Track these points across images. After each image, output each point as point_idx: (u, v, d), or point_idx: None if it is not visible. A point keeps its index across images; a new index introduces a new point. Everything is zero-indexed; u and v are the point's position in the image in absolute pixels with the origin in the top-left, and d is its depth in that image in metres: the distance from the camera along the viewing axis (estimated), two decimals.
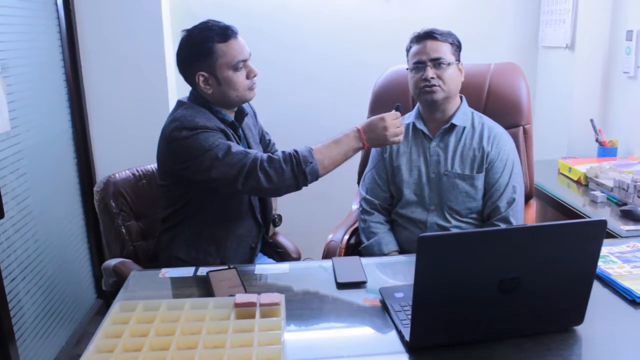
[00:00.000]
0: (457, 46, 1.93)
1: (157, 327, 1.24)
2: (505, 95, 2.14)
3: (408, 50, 1.95)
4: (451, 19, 3.00)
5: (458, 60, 1.92)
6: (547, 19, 3.09)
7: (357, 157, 2.09)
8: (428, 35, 1.89)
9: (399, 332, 1.25)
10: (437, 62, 1.87)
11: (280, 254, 2.06)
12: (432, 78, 1.86)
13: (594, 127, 2.71)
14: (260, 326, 1.24)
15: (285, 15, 3.06)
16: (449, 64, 1.87)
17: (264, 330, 1.23)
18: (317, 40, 3.10)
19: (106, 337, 1.23)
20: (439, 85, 1.87)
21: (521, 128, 2.13)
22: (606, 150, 2.66)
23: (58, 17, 2.66)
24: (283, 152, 1.63)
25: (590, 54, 2.86)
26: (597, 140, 2.70)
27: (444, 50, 1.87)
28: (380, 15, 3.09)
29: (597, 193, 2.22)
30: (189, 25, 1.76)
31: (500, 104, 2.13)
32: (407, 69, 1.96)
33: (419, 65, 1.89)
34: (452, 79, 1.88)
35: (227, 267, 1.57)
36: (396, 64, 2.31)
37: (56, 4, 2.64)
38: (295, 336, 1.28)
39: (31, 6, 2.42)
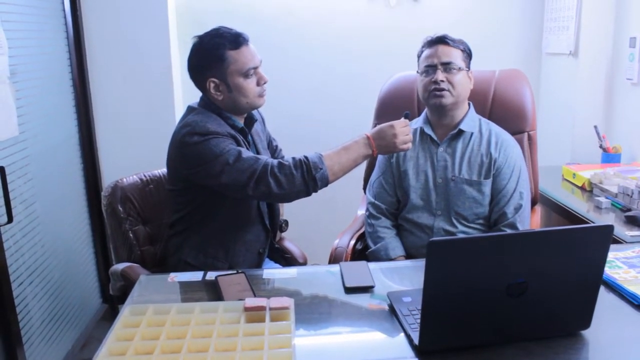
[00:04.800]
0: (468, 54, 1.94)
1: (168, 331, 1.25)
2: (509, 101, 2.15)
3: (419, 55, 1.97)
4: (456, 26, 3.00)
5: (468, 68, 1.93)
6: (550, 25, 3.10)
7: (363, 163, 2.10)
8: (440, 40, 1.91)
9: (408, 336, 1.26)
10: (447, 66, 1.88)
11: (287, 259, 2.07)
12: (442, 81, 1.87)
13: (597, 134, 2.72)
14: (270, 330, 1.25)
15: (290, 23, 3.08)
16: (459, 68, 1.89)
17: (274, 333, 1.24)
18: (323, 46, 3.12)
19: (118, 340, 1.24)
20: (448, 90, 1.88)
21: (526, 134, 2.14)
22: (610, 157, 2.67)
23: (65, 24, 2.69)
24: (293, 158, 1.64)
25: (593, 60, 2.87)
26: (601, 147, 2.71)
27: (455, 56, 1.89)
28: (385, 22, 3.11)
29: (602, 199, 2.23)
30: (195, 32, 1.78)
31: (505, 111, 2.14)
32: (417, 71, 1.98)
33: (429, 69, 1.91)
34: (461, 84, 1.90)
35: (235, 271, 1.58)
36: (401, 70, 2.33)
37: (64, 10, 2.67)
38: (305, 340, 1.29)
39: (39, 13, 2.44)
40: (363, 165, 2.24)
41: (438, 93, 1.89)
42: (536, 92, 3.17)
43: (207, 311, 1.34)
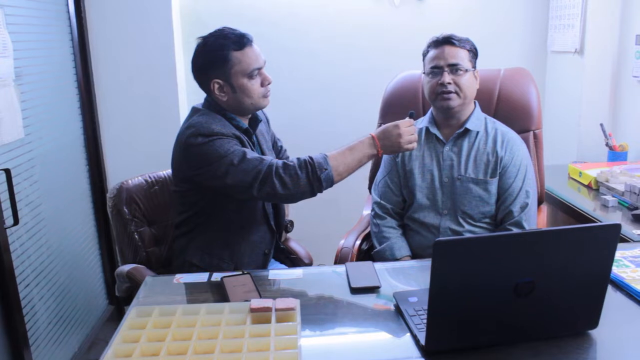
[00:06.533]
0: (474, 53, 1.93)
1: (174, 332, 1.25)
2: (515, 100, 2.15)
3: (425, 55, 1.96)
4: (460, 25, 3.01)
5: (474, 67, 1.93)
6: (555, 23, 3.09)
7: (368, 163, 2.10)
8: (446, 41, 1.90)
9: (414, 337, 1.25)
10: (454, 68, 1.87)
11: (292, 260, 2.07)
12: (449, 84, 1.86)
13: (603, 132, 2.70)
14: (276, 331, 1.25)
15: (294, 23, 3.08)
16: (465, 70, 1.88)
17: (280, 334, 1.24)
18: (327, 46, 3.12)
19: (124, 342, 1.24)
20: (456, 92, 1.87)
21: (531, 133, 2.14)
22: (616, 155, 2.66)
23: (70, 26, 2.70)
24: (298, 159, 1.64)
25: (599, 58, 2.85)
26: (607, 145, 2.70)
27: (462, 57, 1.88)
28: (390, 21, 3.10)
29: (608, 197, 2.22)
30: (199, 33, 1.77)
31: (510, 109, 2.14)
32: (423, 72, 1.97)
33: (435, 70, 1.90)
34: (468, 85, 1.89)
35: (241, 272, 1.58)
36: (406, 69, 2.33)
37: (68, 12, 2.67)
38: (311, 341, 1.29)
39: (44, 15, 2.45)
40: (368, 165, 2.24)
41: (445, 96, 1.88)
42: (542, 91, 3.15)
43: (212, 312, 1.33)
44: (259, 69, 1.74)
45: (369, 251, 2.09)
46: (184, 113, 2.88)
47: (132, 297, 1.53)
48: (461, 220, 1.93)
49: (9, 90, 2.01)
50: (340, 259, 1.98)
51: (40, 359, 2.22)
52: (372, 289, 1.50)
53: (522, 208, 1.89)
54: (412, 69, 2.30)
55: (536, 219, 1.99)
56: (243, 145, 1.70)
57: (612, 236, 1.17)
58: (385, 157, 2.08)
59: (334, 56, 3.13)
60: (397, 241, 1.98)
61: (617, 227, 1.17)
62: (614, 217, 2.11)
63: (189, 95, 2.98)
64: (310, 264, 2.09)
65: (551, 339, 1.23)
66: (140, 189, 2.06)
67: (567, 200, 2.34)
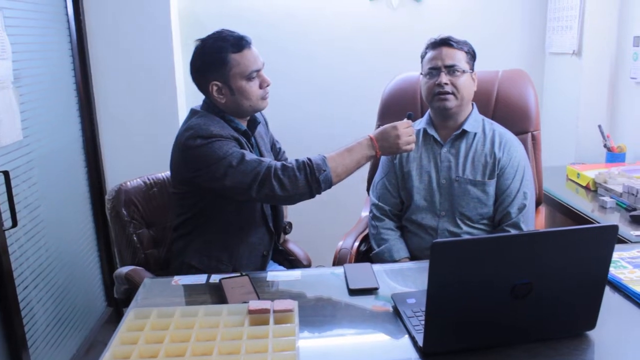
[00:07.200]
0: (472, 55, 1.94)
1: (172, 334, 1.25)
2: (513, 102, 2.15)
3: (423, 57, 1.97)
4: (458, 26, 3.01)
5: (472, 69, 1.93)
6: (553, 25, 3.10)
7: (367, 164, 2.10)
8: (444, 42, 1.91)
9: (412, 338, 1.25)
10: (451, 69, 1.88)
11: (291, 262, 2.07)
12: (446, 84, 1.87)
13: (602, 133, 2.71)
14: (274, 332, 1.25)
15: (293, 25, 3.08)
16: (463, 71, 1.88)
17: (278, 336, 1.24)
18: (325, 48, 3.12)
19: (122, 344, 1.24)
20: (452, 93, 1.88)
21: (529, 134, 2.14)
22: (614, 156, 2.66)
23: (69, 28, 2.70)
24: (296, 160, 1.64)
25: (597, 60, 2.86)
26: (605, 146, 2.70)
27: (459, 58, 1.89)
28: (388, 23, 3.10)
29: (607, 198, 2.22)
30: (198, 35, 1.78)
31: (508, 111, 2.14)
32: (420, 74, 1.98)
33: (433, 71, 1.90)
34: (465, 87, 1.89)
35: (239, 274, 1.58)
36: (404, 71, 2.33)
37: (67, 14, 2.68)
38: (309, 342, 1.29)
39: (42, 17, 2.45)
40: (366, 167, 2.24)
41: (442, 97, 1.88)
42: (540, 92, 3.16)
43: (211, 314, 1.33)
44: (258, 71, 1.74)
45: (367, 253, 2.09)
46: (182, 115, 2.88)
47: (130, 299, 1.53)
48: (459, 222, 1.93)
49: (8, 92, 2.01)
50: (338, 261, 1.98)
51: None
52: (370, 291, 1.50)
53: (520, 209, 1.89)
54: (410, 70, 2.30)
55: (534, 220, 1.99)
56: (241, 147, 1.70)
57: (610, 237, 1.17)
58: (383, 159, 2.08)
59: (332, 58, 3.14)
60: (395, 243, 1.98)
61: (615, 228, 1.17)
62: (612, 219, 2.11)
63: (187, 97, 2.98)
64: (308, 266, 2.09)
65: (549, 341, 1.23)
66: (138, 191, 2.06)
67: (565, 201, 2.34)
